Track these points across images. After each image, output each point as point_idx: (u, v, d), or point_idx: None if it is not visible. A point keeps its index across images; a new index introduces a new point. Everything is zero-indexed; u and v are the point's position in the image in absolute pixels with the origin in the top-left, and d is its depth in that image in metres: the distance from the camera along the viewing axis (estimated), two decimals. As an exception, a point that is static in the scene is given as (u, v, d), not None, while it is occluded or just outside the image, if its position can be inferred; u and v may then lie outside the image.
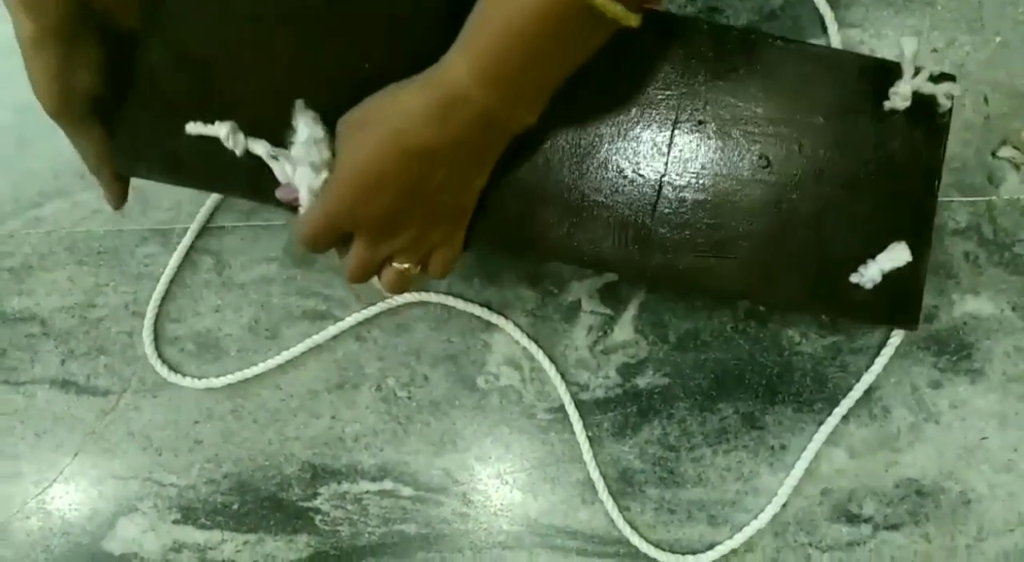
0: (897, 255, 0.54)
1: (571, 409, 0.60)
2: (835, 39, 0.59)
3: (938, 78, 0.53)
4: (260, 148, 0.50)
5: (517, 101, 0.45)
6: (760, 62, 0.56)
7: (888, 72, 0.55)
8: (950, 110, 0.54)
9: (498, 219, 0.56)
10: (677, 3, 0.60)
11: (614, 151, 0.56)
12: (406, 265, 0.49)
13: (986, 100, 0.58)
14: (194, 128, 0.51)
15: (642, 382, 0.60)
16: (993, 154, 0.58)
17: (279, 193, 0.49)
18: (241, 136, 0.54)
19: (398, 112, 0.44)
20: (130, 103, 0.53)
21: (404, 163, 0.44)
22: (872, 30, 0.59)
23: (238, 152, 0.51)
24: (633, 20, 0.42)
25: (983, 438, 0.57)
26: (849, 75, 0.55)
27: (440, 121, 0.44)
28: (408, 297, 0.61)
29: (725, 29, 0.57)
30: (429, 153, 0.44)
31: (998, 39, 0.58)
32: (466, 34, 0.44)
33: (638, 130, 0.56)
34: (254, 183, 0.52)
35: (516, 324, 0.60)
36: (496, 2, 0.42)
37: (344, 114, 0.47)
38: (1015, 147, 0.57)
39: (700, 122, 0.56)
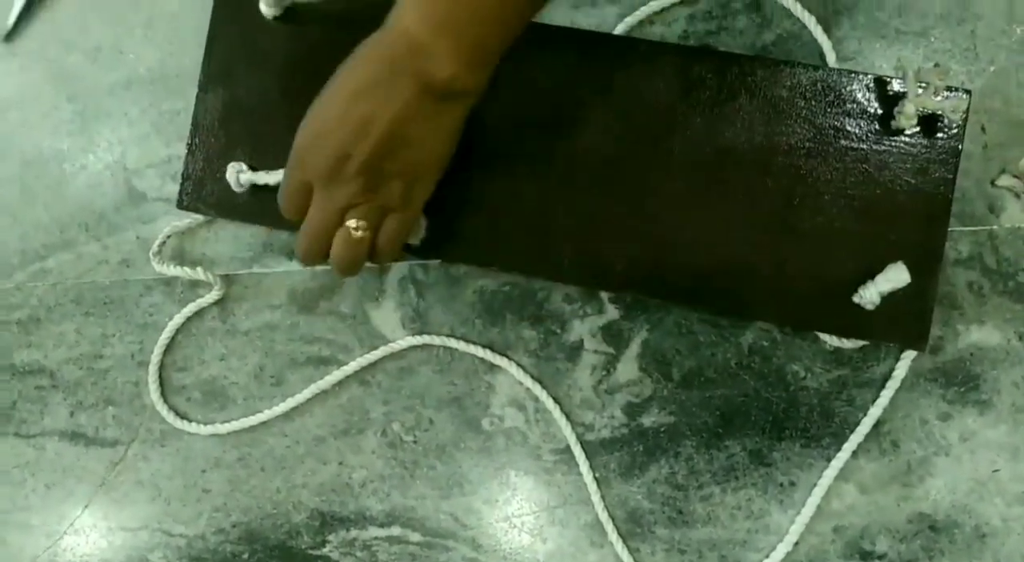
0: (896, 276, 0.53)
1: (577, 450, 0.59)
2: (830, 72, 0.59)
3: (946, 94, 0.53)
4: (266, 177, 0.57)
5: (459, 54, 0.46)
6: (762, 86, 0.56)
7: (894, 91, 0.55)
8: (962, 125, 0.54)
9: (500, 241, 0.58)
10: (675, 36, 0.60)
11: (614, 175, 0.57)
12: (357, 225, 0.49)
13: (983, 129, 0.57)
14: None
15: (648, 421, 0.59)
16: (992, 183, 0.57)
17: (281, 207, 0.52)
18: (246, 173, 0.56)
19: (347, 66, 0.47)
20: (189, 150, 0.61)
21: (347, 103, 0.47)
22: (867, 62, 0.59)
23: (240, 187, 0.59)
24: None
25: (995, 470, 0.57)
26: (853, 96, 0.56)
27: (381, 64, 0.46)
28: (411, 340, 0.61)
29: (725, 55, 0.57)
30: (370, 91, 0.46)
31: (992, 68, 0.58)
32: None
33: (638, 154, 0.57)
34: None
35: (519, 365, 0.60)
36: None
37: None
38: (1015, 176, 0.57)
39: (701, 148, 0.56)
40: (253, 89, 0.60)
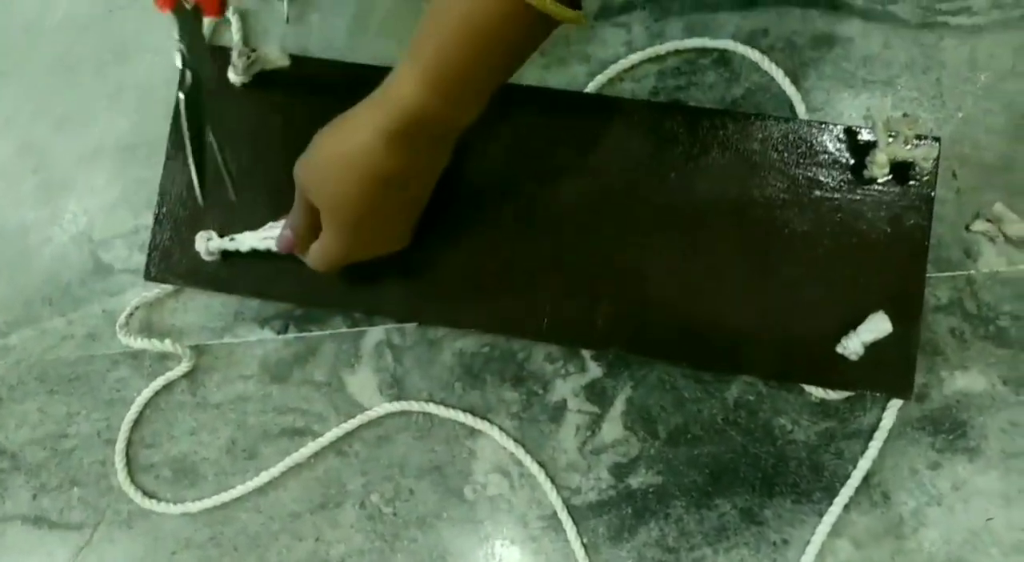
0: (877, 326, 0.53)
1: (564, 515, 0.57)
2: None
3: (916, 142, 0.53)
4: (236, 243, 0.57)
5: (464, 104, 0.47)
6: (734, 139, 0.56)
7: (864, 140, 0.56)
8: (934, 173, 0.55)
9: (478, 302, 0.57)
10: (645, 93, 0.60)
11: (592, 232, 0.57)
12: None
13: (955, 175, 0.58)
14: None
15: (635, 482, 0.58)
16: (967, 228, 0.57)
17: (279, 247, 0.55)
18: (216, 240, 0.55)
19: (362, 149, 0.47)
20: (157, 219, 0.60)
21: (383, 191, 0.48)
22: (835, 112, 0.59)
23: (210, 255, 0.58)
24: (570, 15, 0.43)
25: (988, 519, 0.55)
26: (825, 146, 0.56)
27: (401, 143, 0.46)
28: (389, 407, 0.59)
29: (696, 110, 0.57)
30: (401, 175, 0.48)
31: (960, 114, 0.58)
32: (415, 49, 0.45)
33: (615, 211, 0.57)
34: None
35: (501, 428, 0.59)
36: (441, 13, 0.44)
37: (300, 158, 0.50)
38: (988, 220, 0.57)
39: (678, 202, 0.56)
40: (203, 43, 0.57)
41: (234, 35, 0.63)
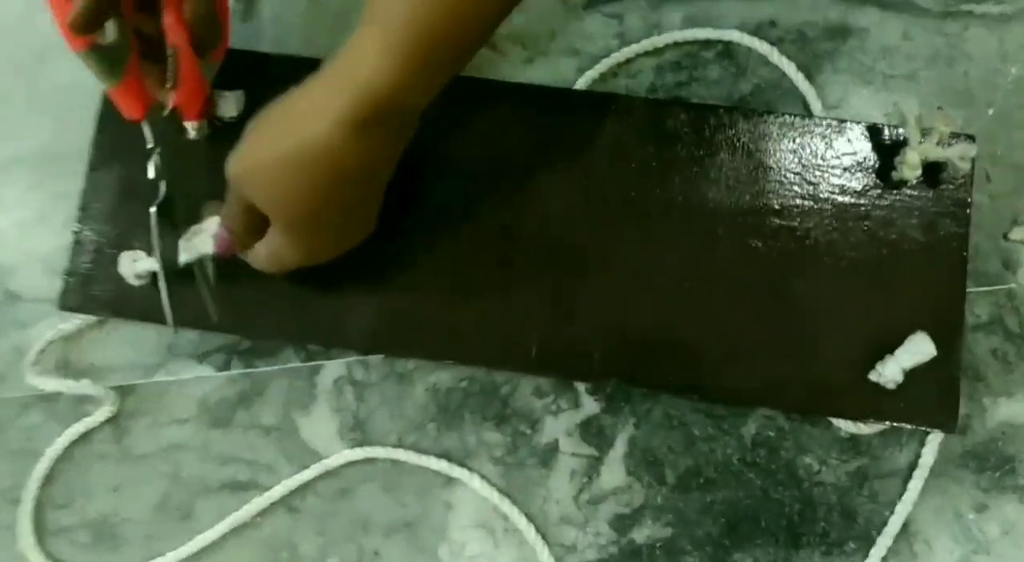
0: (919, 348, 0.46)
1: (558, 577, 0.49)
2: (817, 122, 0.52)
3: (949, 141, 0.47)
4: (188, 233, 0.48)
5: (439, 73, 0.39)
6: (745, 140, 0.50)
7: (891, 140, 0.49)
8: (970, 175, 0.48)
9: (463, 334, 0.49)
10: (642, 89, 0.53)
11: (586, 249, 0.49)
12: None
13: (988, 177, 0.52)
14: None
15: (640, 536, 0.50)
16: (1005, 237, 0.51)
17: (218, 250, 0.46)
18: (144, 261, 0.47)
19: (318, 144, 0.38)
20: (76, 240, 0.51)
21: (345, 190, 0.41)
22: (853, 110, 0.53)
23: (139, 278, 0.49)
24: None
25: (1047, 569, 0.48)
26: (848, 147, 0.50)
27: (367, 132, 0.38)
28: (350, 455, 0.51)
29: (702, 107, 0.51)
30: (366, 169, 0.41)
31: (991, 111, 0.52)
32: (377, 9, 0.37)
33: (612, 224, 0.49)
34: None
35: (483, 476, 0.50)
36: None
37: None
38: (1030, 227, 0.51)
39: (683, 212, 0.50)
40: (183, 148, 0.50)
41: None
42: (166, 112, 0.47)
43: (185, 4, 0.45)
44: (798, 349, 0.48)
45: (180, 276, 0.48)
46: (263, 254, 0.44)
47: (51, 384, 0.51)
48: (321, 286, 0.49)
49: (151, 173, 0.47)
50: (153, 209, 0.47)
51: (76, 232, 0.51)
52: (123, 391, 0.52)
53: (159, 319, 0.50)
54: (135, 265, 0.49)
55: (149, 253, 0.49)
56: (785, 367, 0.48)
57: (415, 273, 0.50)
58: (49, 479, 0.52)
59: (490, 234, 0.50)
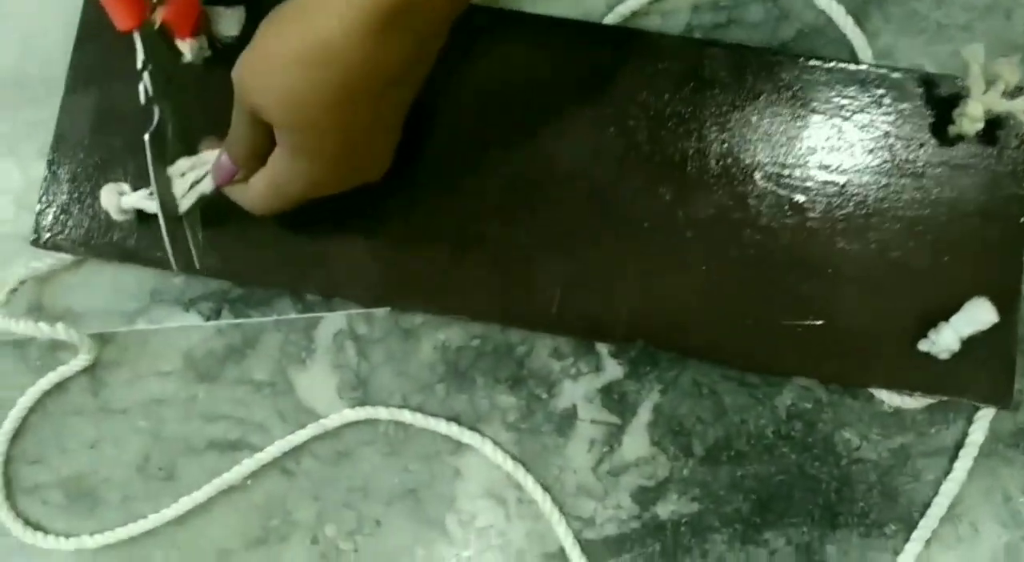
0: (978, 315, 0.43)
1: (574, 553, 0.45)
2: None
3: (1014, 92, 0.43)
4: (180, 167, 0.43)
5: None
6: (791, 87, 0.46)
7: (950, 90, 0.45)
8: None
9: (488, 290, 0.44)
10: (677, 30, 0.49)
11: (613, 199, 0.45)
12: None
13: (1048, 137, 0.48)
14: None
15: (664, 510, 0.46)
16: (1066, 200, 0.47)
17: (216, 179, 0.42)
18: (130, 195, 0.42)
19: (340, 40, 0.33)
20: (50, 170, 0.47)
21: (366, 99, 0.36)
22: (905, 61, 0.49)
23: (123, 214, 0.44)
24: None
25: (1102, 557, 0.45)
26: (901, 97, 0.46)
27: (396, 28, 0.34)
28: (350, 415, 0.46)
29: (743, 49, 0.46)
30: (392, 73, 0.35)
31: (1052, 66, 0.48)
32: None
33: (642, 173, 0.45)
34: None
35: (495, 442, 0.46)
36: None
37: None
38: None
39: (719, 163, 0.45)
40: (177, 71, 0.46)
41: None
42: (156, 26, 0.42)
43: None
44: (840, 314, 0.45)
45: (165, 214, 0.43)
46: (261, 184, 0.40)
47: (23, 327, 0.46)
48: (322, 231, 0.45)
49: (142, 96, 0.42)
50: (147, 137, 0.42)
51: (50, 162, 0.47)
52: (101, 339, 0.48)
53: (144, 260, 0.45)
54: (121, 199, 0.44)
55: (135, 187, 0.44)
56: (826, 334, 0.44)
57: (425, 219, 0.46)
58: (19, 433, 0.48)
59: (508, 179, 0.46)
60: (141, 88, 0.42)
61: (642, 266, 0.45)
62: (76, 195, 0.46)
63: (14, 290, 0.47)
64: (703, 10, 0.49)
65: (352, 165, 0.39)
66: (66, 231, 0.46)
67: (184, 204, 0.43)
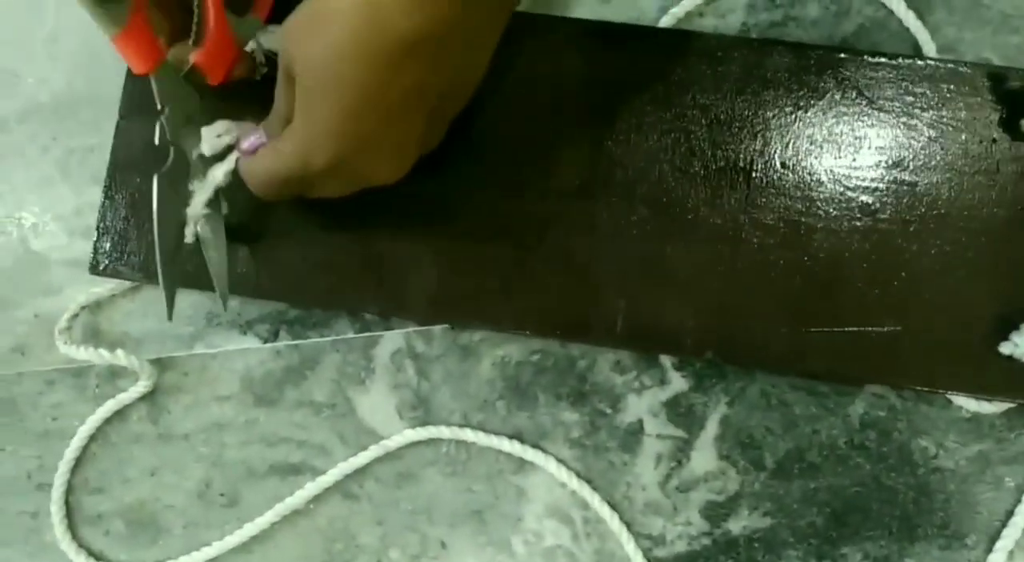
0: None
1: (645, 572, 0.44)
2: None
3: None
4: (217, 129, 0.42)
5: None
6: (853, 86, 0.44)
7: (1020, 83, 0.44)
8: None
9: (548, 303, 0.43)
10: (733, 30, 0.48)
11: (677, 207, 0.44)
12: None
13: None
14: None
15: (736, 526, 0.45)
16: None
17: (246, 146, 0.40)
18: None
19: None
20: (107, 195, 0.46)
21: (403, 64, 0.33)
22: (971, 54, 0.47)
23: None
24: None
25: None
26: (970, 92, 0.44)
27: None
28: (412, 435, 0.46)
29: (803, 48, 0.45)
30: (430, 41, 0.33)
31: None
32: None
33: (707, 182, 0.44)
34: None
35: (559, 460, 0.45)
36: None
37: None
38: None
39: (784, 166, 0.44)
40: (195, 112, 0.46)
41: None
42: (186, 68, 0.41)
43: None
44: (916, 319, 0.43)
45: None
46: (265, 155, 0.38)
47: (85, 354, 0.46)
48: (377, 248, 0.45)
49: (157, 138, 0.41)
50: (155, 177, 0.41)
51: (107, 188, 0.46)
52: (160, 365, 0.47)
53: (200, 286, 0.45)
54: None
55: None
56: (903, 339, 0.43)
57: (482, 233, 0.45)
58: (80, 462, 0.47)
59: (566, 189, 0.45)
60: (157, 128, 0.41)
61: (707, 275, 0.44)
62: (133, 221, 0.46)
63: (75, 316, 0.47)
64: (758, 9, 0.48)
65: (360, 150, 0.36)
66: (124, 257, 0.46)
67: (205, 151, 0.42)
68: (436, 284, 0.45)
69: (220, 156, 0.42)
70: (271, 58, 0.43)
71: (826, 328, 0.43)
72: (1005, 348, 0.42)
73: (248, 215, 0.45)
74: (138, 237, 0.46)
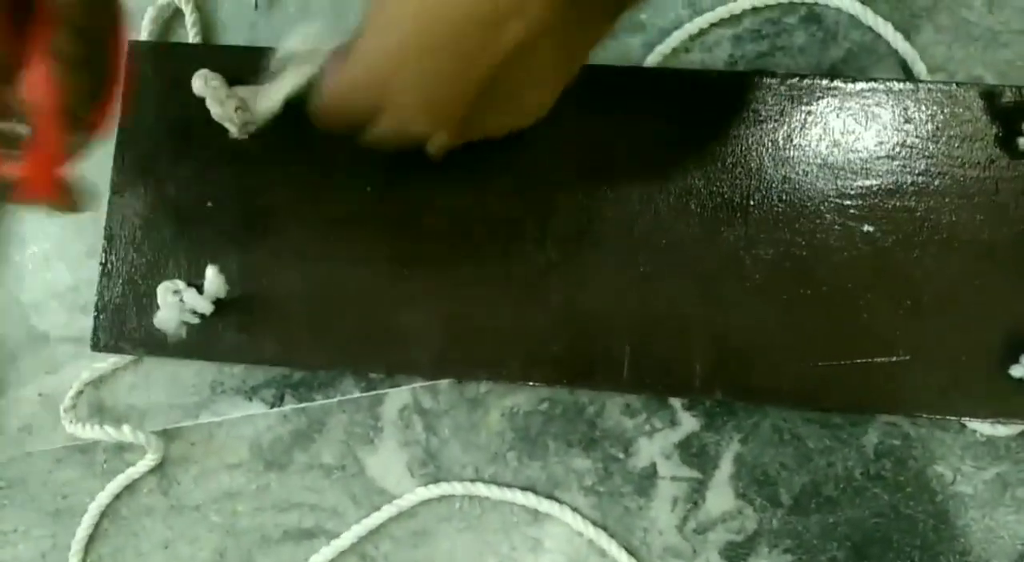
0: None
1: (669, 618, 0.44)
2: (924, 87, 0.46)
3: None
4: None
5: None
6: (846, 113, 0.44)
7: (1014, 100, 0.43)
8: None
9: (552, 351, 0.43)
10: (720, 63, 0.47)
11: (679, 248, 0.43)
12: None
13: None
14: None
15: (757, 566, 0.44)
16: None
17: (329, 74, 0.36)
18: (188, 291, 0.42)
19: None
20: (104, 271, 0.46)
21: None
22: (962, 72, 0.47)
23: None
24: None
25: None
26: (963, 112, 0.44)
27: None
28: (424, 492, 0.45)
29: (793, 77, 0.45)
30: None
31: (1118, 65, 0.46)
32: None
33: (705, 221, 0.44)
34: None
35: (574, 508, 0.45)
36: None
37: None
38: None
39: (781, 199, 0.44)
40: (186, 182, 0.46)
41: (189, 30, 0.49)
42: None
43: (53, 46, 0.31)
44: (924, 345, 0.43)
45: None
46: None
47: (91, 432, 0.46)
48: (378, 306, 0.44)
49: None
50: None
51: (103, 264, 0.46)
52: (167, 436, 0.47)
53: (204, 356, 0.45)
54: (180, 298, 0.43)
55: (189, 282, 0.44)
56: (912, 367, 0.43)
57: (482, 284, 0.44)
58: (94, 539, 0.47)
59: (565, 236, 0.44)
60: None
61: (711, 314, 0.43)
62: (131, 296, 0.45)
63: (79, 393, 0.47)
64: (745, 41, 0.48)
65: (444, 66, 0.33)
66: (125, 333, 0.45)
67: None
68: (439, 339, 0.44)
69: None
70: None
71: (835, 362, 0.43)
72: (1016, 371, 0.42)
73: (248, 279, 0.44)
74: (137, 312, 0.45)
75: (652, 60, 0.47)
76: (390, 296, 0.44)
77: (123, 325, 0.45)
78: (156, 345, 0.45)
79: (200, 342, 0.44)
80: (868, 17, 0.47)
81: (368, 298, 0.44)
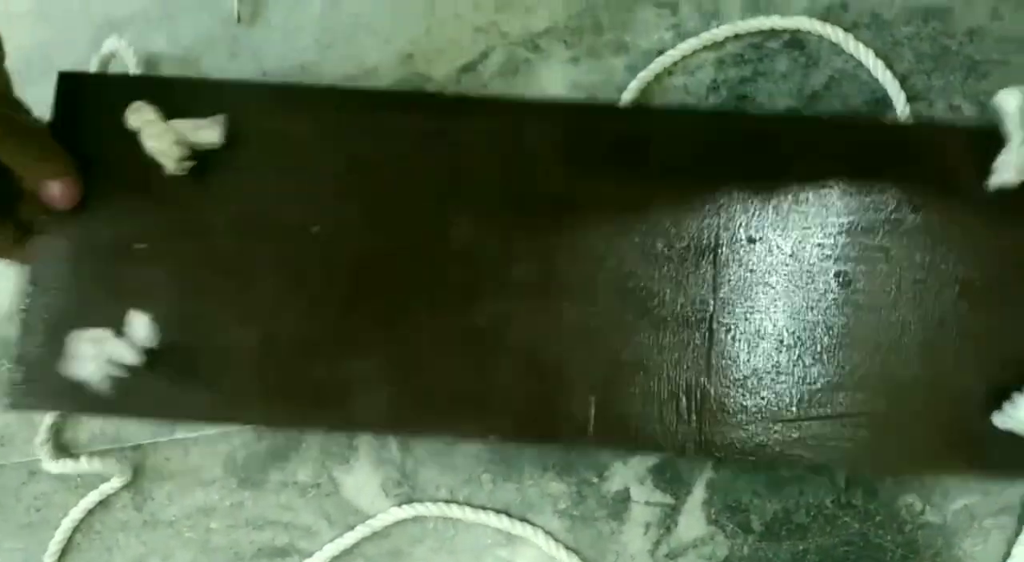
0: None
1: (638, 642, 0.44)
2: (904, 117, 0.47)
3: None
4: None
5: None
6: (816, 152, 0.43)
7: (987, 140, 0.43)
8: None
9: (513, 405, 0.42)
10: (696, 95, 0.47)
11: (644, 297, 0.42)
12: None
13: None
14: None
15: (727, 591, 0.45)
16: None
17: None
18: (111, 342, 0.40)
19: None
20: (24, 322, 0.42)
21: None
22: (941, 101, 0.47)
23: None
24: None
25: None
26: (937, 152, 0.43)
27: None
28: (398, 513, 0.45)
29: (762, 119, 0.44)
30: None
31: (1097, 99, 0.46)
32: None
33: (669, 263, 0.43)
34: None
35: (547, 532, 0.45)
36: None
37: None
38: None
39: (750, 241, 0.43)
40: (117, 221, 0.42)
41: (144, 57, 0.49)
42: None
43: None
44: (900, 396, 0.41)
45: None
46: None
47: (71, 467, 0.45)
48: (322, 356, 0.42)
49: None
50: None
51: (24, 309, 0.42)
52: (142, 451, 0.47)
53: (134, 411, 0.43)
54: (101, 347, 0.40)
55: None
56: (888, 419, 0.41)
57: (437, 336, 0.42)
58: (67, 553, 0.47)
59: (526, 283, 0.42)
60: None
61: (680, 363, 0.42)
62: (53, 345, 0.41)
63: (52, 425, 0.47)
64: (728, 65, 0.48)
65: None
66: (45, 388, 0.41)
67: None
68: (388, 394, 0.41)
69: None
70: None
71: (810, 415, 0.41)
72: (999, 420, 0.41)
73: (182, 327, 0.42)
74: (60, 364, 0.40)
75: (635, 84, 0.47)
76: (337, 347, 0.41)
77: (46, 379, 0.41)
78: (79, 401, 0.41)
79: (127, 397, 0.40)
80: (850, 44, 0.47)
81: (312, 349, 0.41)
